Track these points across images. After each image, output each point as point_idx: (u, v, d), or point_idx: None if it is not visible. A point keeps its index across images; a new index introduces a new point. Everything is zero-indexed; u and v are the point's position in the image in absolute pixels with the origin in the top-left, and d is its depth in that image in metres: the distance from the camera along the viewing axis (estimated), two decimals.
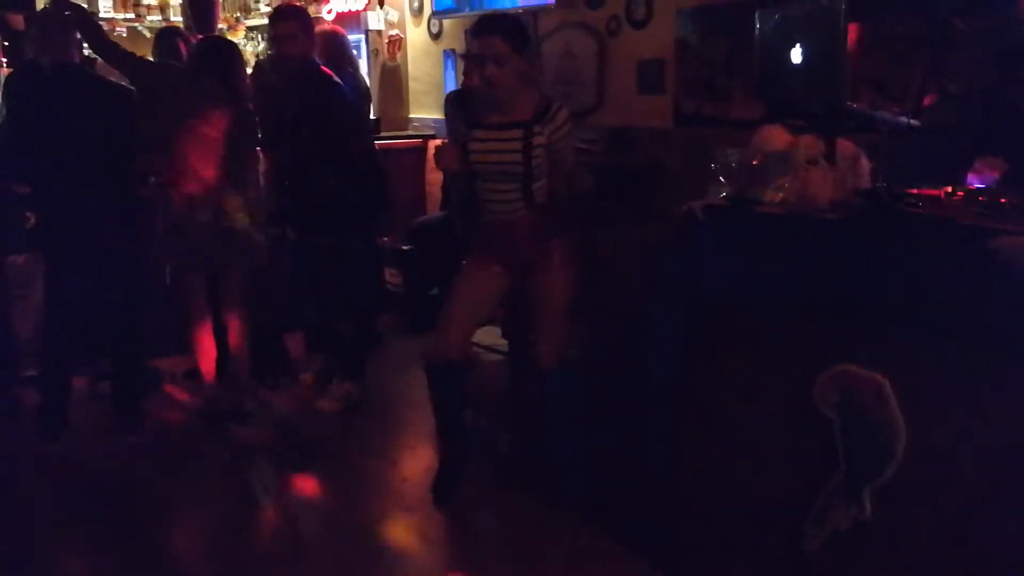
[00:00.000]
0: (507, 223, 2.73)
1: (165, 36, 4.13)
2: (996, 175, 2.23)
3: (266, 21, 4.77)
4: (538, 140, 2.62)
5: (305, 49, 3.50)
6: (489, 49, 2.56)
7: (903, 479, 1.97)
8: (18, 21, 4.37)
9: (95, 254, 3.32)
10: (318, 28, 4.09)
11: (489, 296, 2.83)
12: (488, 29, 2.61)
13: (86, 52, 3.75)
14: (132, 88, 3.43)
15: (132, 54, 3.52)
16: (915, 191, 2.28)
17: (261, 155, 3.93)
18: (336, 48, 4.17)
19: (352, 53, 4.39)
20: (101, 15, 5.25)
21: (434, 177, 5.45)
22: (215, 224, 3.34)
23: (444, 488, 2.90)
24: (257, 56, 5.48)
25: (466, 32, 5.35)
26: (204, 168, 3.31)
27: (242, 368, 3.62)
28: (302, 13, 3.69)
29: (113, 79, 3.51)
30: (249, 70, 4.12)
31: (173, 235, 3.39)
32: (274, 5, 5.67)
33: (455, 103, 3.86)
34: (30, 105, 3.25)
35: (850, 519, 2.06)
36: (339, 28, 4.58)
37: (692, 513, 2.46)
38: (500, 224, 2.75)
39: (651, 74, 4.28)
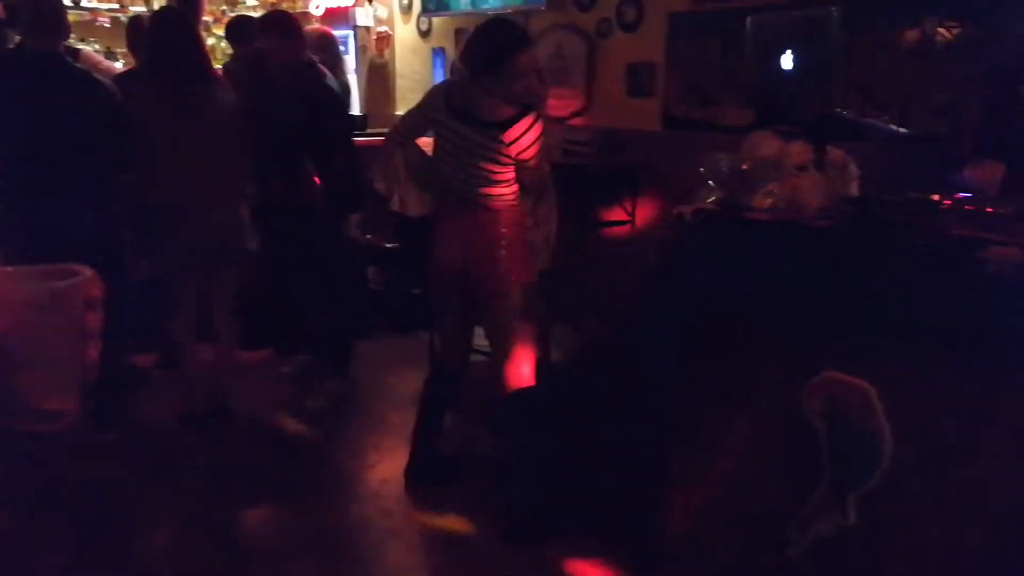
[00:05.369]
0: None
1: (134, 23, 4.09)
2: (986, 178, 2.23)
3: (252, 15, 4.73)
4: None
5: (289, 55, 3.52)
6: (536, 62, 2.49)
7: (888, 486, 1.97)
8: None
9: (68, 255, 3.19)
10: (309, 29, 4.11)
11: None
12: (525, 42, 2.45)
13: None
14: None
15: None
16: (902, 199, 2.28)
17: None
18: (324, 49, 4.17)
19: (339, 53, 4.37)
20: (83, 4, 5.17)
21: None
22: (207, 221, 3.26)
23: (416, 474, 3.02)
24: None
25: (457, 32, 5.33)
26: (189, 167, 3.21)
27: (227, 368, 3.56)
28: (281, 21, 3.66)
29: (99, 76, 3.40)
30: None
31: (164, 236, 3.25)
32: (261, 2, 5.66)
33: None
34: (9, 96, 3.06)
35: (834, 526, 2.05)
36: (328, 30, 4.58)
37: (677, 517, 2.45)
38: None
39: (641, 77, 4.28)
